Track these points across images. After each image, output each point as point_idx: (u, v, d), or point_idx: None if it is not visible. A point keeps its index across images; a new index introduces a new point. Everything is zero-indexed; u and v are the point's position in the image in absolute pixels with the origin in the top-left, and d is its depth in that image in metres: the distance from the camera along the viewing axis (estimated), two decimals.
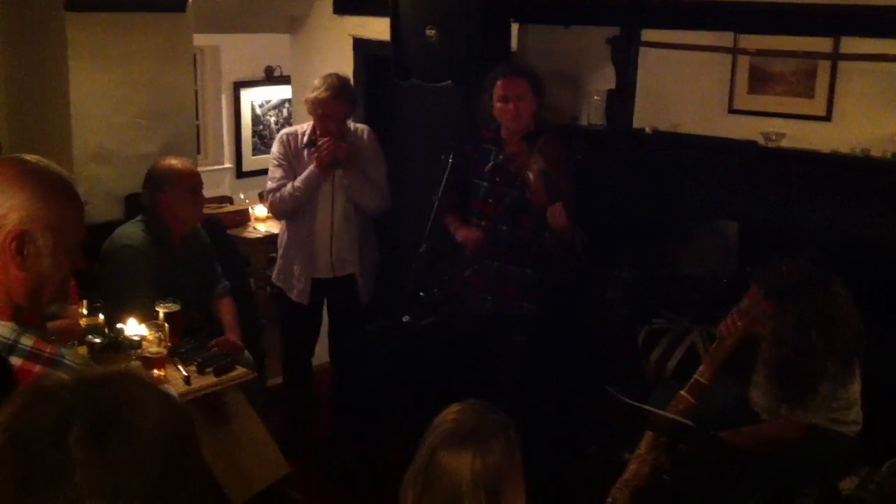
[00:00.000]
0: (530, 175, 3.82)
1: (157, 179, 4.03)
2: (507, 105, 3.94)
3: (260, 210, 6.42)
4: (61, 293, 1.95)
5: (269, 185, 4.48)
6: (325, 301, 4.71)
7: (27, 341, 1.81)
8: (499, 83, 3.93)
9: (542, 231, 3.92)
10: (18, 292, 1.85)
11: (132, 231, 4.04)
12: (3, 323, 1.82)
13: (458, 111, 4.55)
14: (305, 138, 4.42)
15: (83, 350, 3.41)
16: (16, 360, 1.79)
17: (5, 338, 1.80)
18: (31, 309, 1.88)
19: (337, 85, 4.27)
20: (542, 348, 4.21)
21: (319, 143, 4.30)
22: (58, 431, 1.06)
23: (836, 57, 3.99)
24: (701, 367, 3.61)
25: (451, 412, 2.12)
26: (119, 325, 3.57)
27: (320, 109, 4.28)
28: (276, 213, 4.63)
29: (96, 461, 1.05)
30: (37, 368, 1.79)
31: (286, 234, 4.59)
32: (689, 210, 4.49)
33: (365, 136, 4.50)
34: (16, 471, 1.05)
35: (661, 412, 3.45)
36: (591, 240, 3.91)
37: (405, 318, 3.76)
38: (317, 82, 4.31)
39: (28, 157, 1.90)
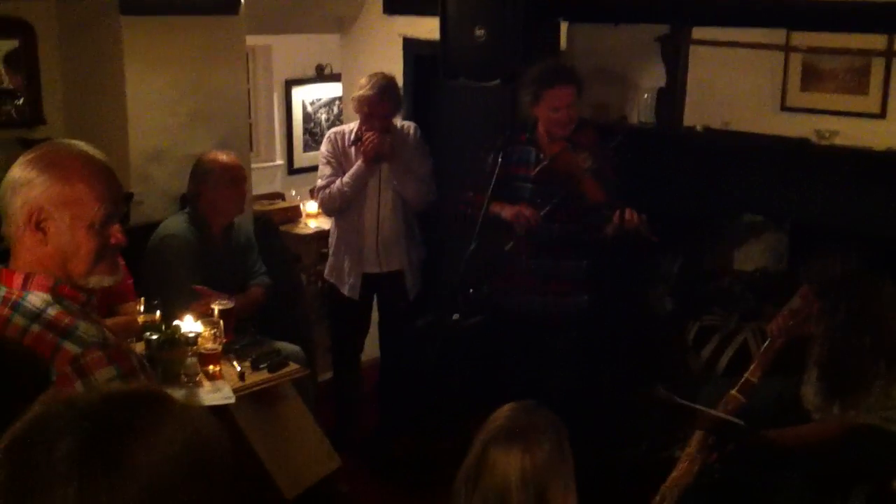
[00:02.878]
0: (581, 176, 3.81)
1: (200, 171, 4.19)
2: (558, 114, 3.92)
3: (311, 206, 6.47)
4: (107, 268, 2.03)
5: (319, 182, 4.57)
6: (376, 296, 4.76)
7: (51, 312, 1.92)
8: (549, 93, 3.89)
9: (594, 222, 3.91)
10: (51, 266, 1.97)
11: (174, 222, 4.21)
12: (38, 294, 1.94)
13: (506, 111, 4.56)
14: (352, 136, 4.48)
15: (141, 346, 3.50)
16: (35, 328, 1.90)
17: (36, 307, 1.92)
18: (69, 283, 1.99)
19: (382, 84, 4.33)
20: (593, 342, 4.21)
21: (364, 137, 4.36)
22: (49, 446, 1.05)
23: (890, 54, 3.94)
24: (752, 366, 3.60)
25: (503, 410, 2.15)
26: (176, 322, 3.65)
27: (366, 108, 4.34)
28: (326, 209, 4.70)
29: (81, 481, 1.04)
30: (49, 337, 1.89)
31: (336, 230, 4.67)
32: (740, 207, 4.46)
33: (411, 131, 4.56)
34: (6, 476, 1.06)
35: (711, 411, 3.44)
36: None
37: (455, 316, 3.78)
38: (363, 81, 4.38)
39: (58, 140, 2.03)
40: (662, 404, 3.65)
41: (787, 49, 4.21)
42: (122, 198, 2.08)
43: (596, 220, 3.87)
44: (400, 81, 4.79)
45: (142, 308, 3.75)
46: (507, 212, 3.98)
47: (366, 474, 4.64)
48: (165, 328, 3.60)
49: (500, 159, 3.95)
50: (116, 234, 2.02)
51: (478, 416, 2.23)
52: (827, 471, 3.39)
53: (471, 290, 3.94)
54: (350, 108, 4.85)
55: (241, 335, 3.92)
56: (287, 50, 7.86)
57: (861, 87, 4.05)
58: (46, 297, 1.94)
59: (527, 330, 4.18)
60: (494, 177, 3.93)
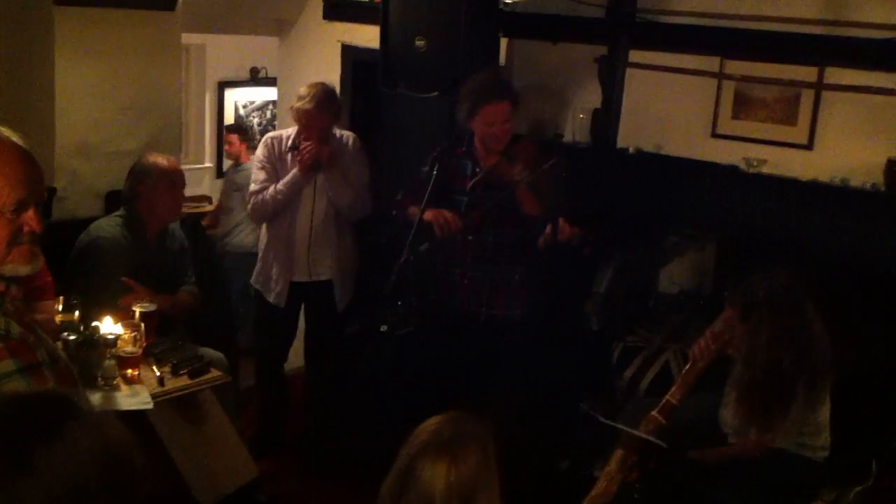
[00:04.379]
0: (518, 189, 3.84)
1: (139, 173, 4.09)
2: (493, 129, 3.93)
3: None
4: (22, 256, 1.97)
5: (252, 187, 4.48)
6: (303, 305, 4.71)
7: None
8: (484, 108, 3.90)
9: (530, 233, 3.93)
10: None
11: (107, 224, 4.08)
12: None
13: (445, 122, 4.56)
14: (289, 142, 4.43)
15: (59, 344, 3.38)
16: None
17: None
18: None
19: (321, 96, 4.28)
20: (531, 354, 4.22)
21: (302, 146, 4.31)
22: None
23: (819, 86, 4.04)
24: (673, 388, 3.63)
25: (431, 423, 2.13)
26: (95, 323, 3.54)
27: (304, 120, 4.29)
28: (257, 215, 4.62)
29: None
30: None
31: (266, 236, 4.60)
32: (668, 228, 4.52)
33: (350, 142, 4.52)
34: None
35: (632, 431, 3.47)
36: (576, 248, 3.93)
37: (383, 328, 3.76)
38: (302, 91, 4.32)
39: None
40: (586, 422, 3.67)
41: (721, 76, 4.29)
42: (39, 184, 1.99)
43: (532, 232, 3.89)
44: (338, 88, 4.75)
45: (60, 307, 3.64)
46: (428, 213, 3.97)
47: (291, 481, 4.57)
48: (84, 328, 3.50)
49: (434, 172, 3.95)
50: (30, 221, 1.95)
51: (412, 426, 2.20)
52: (745, 495, 3.44)
53: (399, 303, 3.92)
54: (286, 114, 4.80)
55: (164, 338, 3.83)
56: (221, 50, 7.78)
57: (790, 118, 4.15)
58: None
59: (465, 338, 4.16)
60: (429, 188, 3.92)
